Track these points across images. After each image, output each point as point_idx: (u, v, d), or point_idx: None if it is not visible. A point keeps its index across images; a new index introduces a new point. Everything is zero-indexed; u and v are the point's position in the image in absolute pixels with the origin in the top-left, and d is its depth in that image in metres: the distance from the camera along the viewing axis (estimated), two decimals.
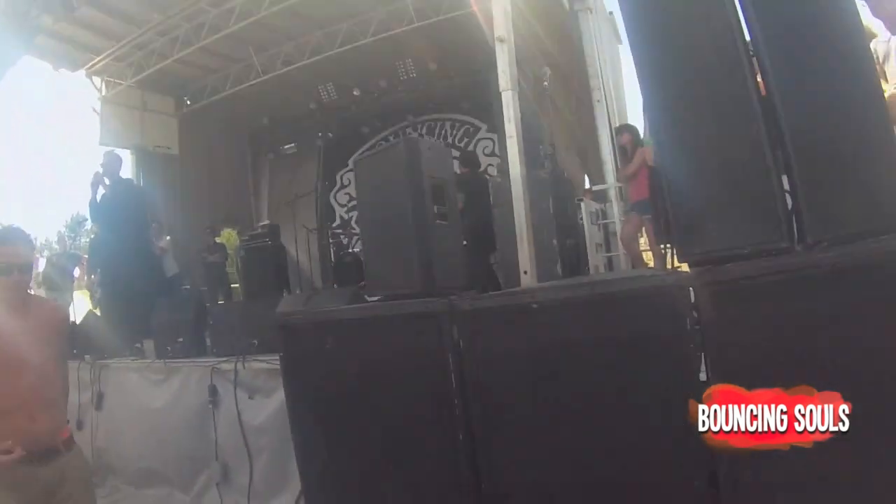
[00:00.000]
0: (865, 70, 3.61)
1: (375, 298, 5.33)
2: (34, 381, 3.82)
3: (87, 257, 14.78)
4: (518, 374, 3.92)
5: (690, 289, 3.49)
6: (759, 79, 3.60)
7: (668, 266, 6.31)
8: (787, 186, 3.49)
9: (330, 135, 17.65)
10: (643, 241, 10.50)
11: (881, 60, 6.79)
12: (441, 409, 4.09)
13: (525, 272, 6.77)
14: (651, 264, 9.94)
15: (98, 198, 9.41)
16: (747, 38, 3.62)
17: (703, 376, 3.48)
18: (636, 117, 13.00)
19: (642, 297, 3.65)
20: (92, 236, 13.72)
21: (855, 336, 3.16)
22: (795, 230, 3.46)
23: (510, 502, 4.02)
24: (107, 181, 9.63)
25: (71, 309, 14.63)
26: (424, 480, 4.29)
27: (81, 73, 15.28)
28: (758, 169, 3.48)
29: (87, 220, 13.50)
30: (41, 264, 16.98)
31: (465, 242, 10.66)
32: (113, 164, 9.78)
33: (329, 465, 4.66)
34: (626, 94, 14.01)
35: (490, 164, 14.98)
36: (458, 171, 12.37)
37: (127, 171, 14.68)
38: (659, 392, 3.54)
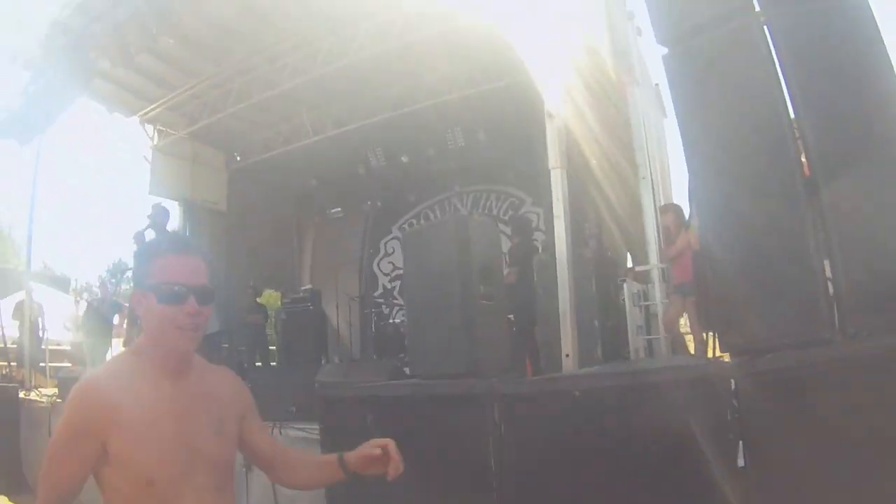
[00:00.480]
0: None
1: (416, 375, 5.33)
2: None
3: (128, 306, 14.86)
4: (557, 460, 3.90)
5: (731, 379, 3.49)
6: (803, 158, 3.62)
7: (710, 353, 6.26)
8: (829, 272, 3.50)
9: (379, 204, 17.74)
10: (683, 323, 10.42)
11: None
12: (479, 492, 4.07)
13: (567, 355, 6.71)
14: (691, 347, 9.86)
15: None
16: (792, 116, 3.65)
17: (740, 461, 3.48)
18: (681, 194, 12.95)
19: (684, 387, 3.63)
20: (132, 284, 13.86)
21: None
22: (837, 319, 3.46)
23: None
24: (153, 233, 9.74)
25: (109, 356, 14.80)
26: None
27: (135, 119, 15.42)
28: (800, 257, 3.49)
29: (129, 268, 13.60)
30: (81, 308, 17.13)
31: (511, 316, 10.69)
32: (161, 216, 9.90)
33: None
34: (670, 171, 13.98)
35: (534, 239, 14.93)
36: (510, 241, 12.45)
37: (174, 222, 14.82)
38: (697, 480, 3.52)
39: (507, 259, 13.29)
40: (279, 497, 6.24)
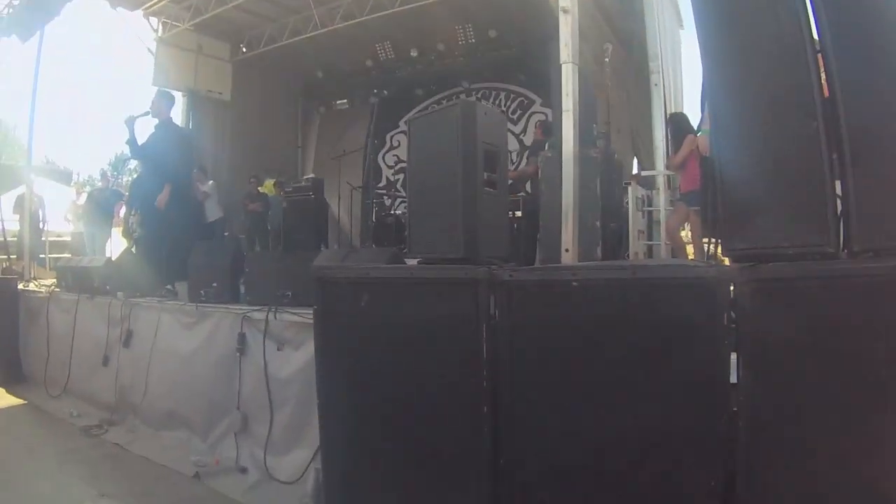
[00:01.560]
0: None
1: (415, 260, 5.30)
2: None
3: (127, 195, 14.87)
4: (549, 349, 3.89)
5: (731, 284, 3.46)
6: (823, 79, 3.55)
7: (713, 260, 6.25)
8: (839, 191, 3.45)
9: (385, 93, 17.67)
10: (685, 234, 10.43)
11: None
12: (469, 378, 4.06)
13: (567, 250, 6.70)
14: (692, 257, 9.88)
15: (136, 136, 9.36)
16: (815, 35, 3.57)
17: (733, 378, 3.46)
18: (692, 105, 12.89)
19: (683, 286, 3.61)
20: (134, 175, 13.82)
21: (892, 350, 3.13)
22: (843, 236, 3.42)
23: (526, 479, 4.02)
24: (154, 119, 9.60)
25: (108, 245, 14.85)
26: (444, 446, 4.28)
27: (139, 12, 15.38)
28: (812, 169, 3.42)
29: (129, 157, 13.57)
30: (83, 198, 17.16)
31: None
32: (163, 102, 9.73)
33: (350, 424, 4.66)
34: (683, 82, 13.90)
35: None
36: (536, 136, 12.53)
37: (178, 113, 14.79)
38: (687, 386, 3.51)
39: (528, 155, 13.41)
40: (271, 380, 6.27)
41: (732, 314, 3.43)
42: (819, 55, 3.51)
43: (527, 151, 14.17)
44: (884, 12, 3.61)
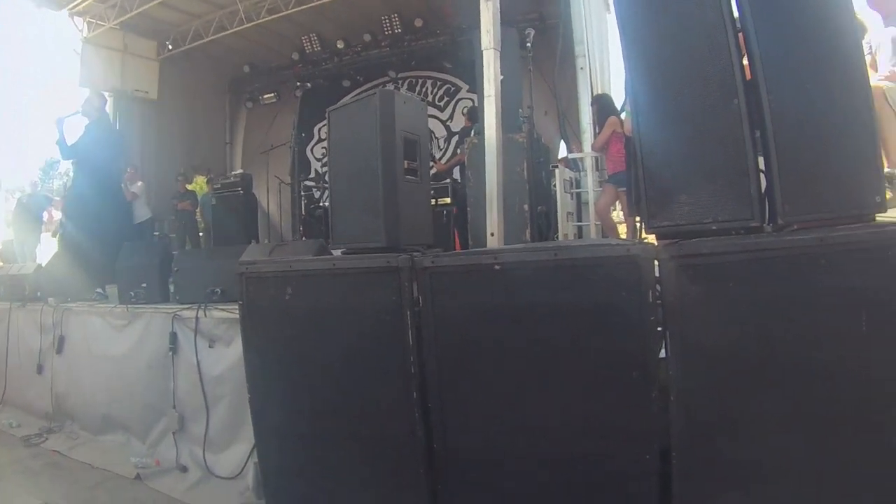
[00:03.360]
0: (852, 58, 3.59)
1: (339, 250, 5.28)
2: None
3: (58, 199, 14.69)
4: (475, 334, 3.93)
5: (656, 261, 3.47)
6: (745, 62, 3.57)
7: (639, 238, 6.31)
8: (762, 167, 3.47)
9: (308, 85, 17.64)
10: (617, 215, 10.52)
11: (873, 51, 6.83)
12: (397, 365, 4.10)
13: (492, 234, 6.74)
14: (624, 237, 9.98)
15: (66, 137, 9.23)
16: (735, 13, 3.59)
17: (662, 353, 3.48)
18: (620, 90, 13.01)
19: (606, 266, 3.62)
20: (66, 179, 13.66)
21: (814, 323, 3.20)
22: (767, 212, 3.45)
23: (460, 462, 4.04)
24: (86, 119, 9.48)
25: (38, 251, 14.65)
26: (378, 435, 4.30)
27: (64, 12, 15.06)
28: (734, 145, 3.48)
29: (59, 161, 13.42)
30: (12, 204, 16.95)
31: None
32: (94, 101, 9.60)
33: (282, 417, 4.67)
34: (611, 66, 14.01)
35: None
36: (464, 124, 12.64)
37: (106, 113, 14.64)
38: (616, 364, 3.55)
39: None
40: (204, 378, 6.23)
41: (658, 291, 3.44)
42: (740, 34, 3.54)
43: (454, 138, 14.25)
44: None
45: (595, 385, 3.60)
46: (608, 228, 10.26)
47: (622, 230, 10.15)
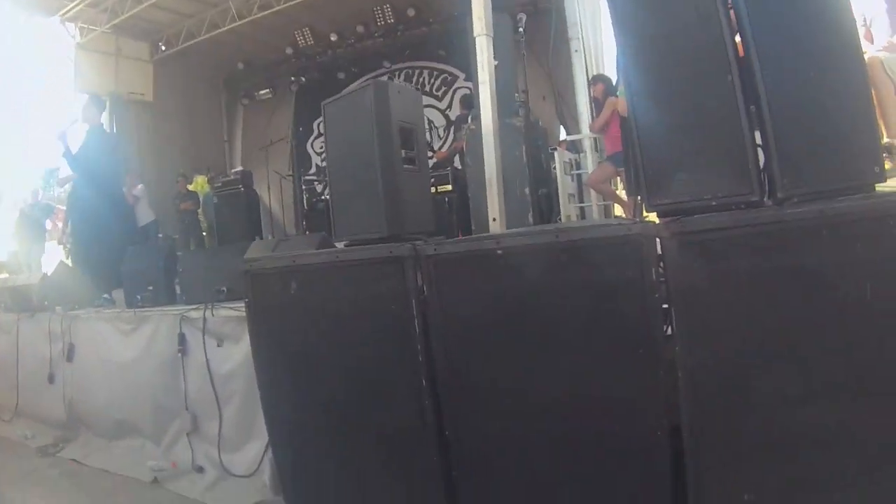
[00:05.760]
0: (846, 28, 3.57)
1: (343, 244, 5.29)
2: None
3: (61, 208, 14.69)
4: (481, 319, 3.95)
5: (657, 239, 3.48)
6: (737, 39, 3.58)
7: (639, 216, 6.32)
8: (759, 142, 3.48)
9: (303, 79, 17.64)
10: (619, 191, 10.53)
11: (868, 23, 6.83)
12: (405, 354, 4.12)
13: (494, 219, 6.74)
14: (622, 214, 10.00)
15: (71, 147, 9.19)
16: None
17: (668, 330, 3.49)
18: (614, 70, 13.03)
19: (608, 246, 3.63)
20: (67, 186, 13.67)
21: (818, 294, 3.20)
22: (766, 185, 3.45)
23: (472, 446, 4.07)
24: (86, 125, 9.45)
25: (42, 260, 14.65)
26: (389, 425, 4.33)
27: (56, 19, 15.06)
28: (730, 121, 3.47)
29: (58, 169, 13.37)
30: (13, 217, 16.95)
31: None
32: (93, 107, 9.57)
33: (294, 412, 4.69)
34: (604, 47, 14.02)
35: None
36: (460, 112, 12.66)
37: (103, 118, 14.62)
38: (622, 342, 3.56)
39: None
40: (215, 377, 6.23)
41: (661, 269, 3.45)
42: (731, 11, 3.55)
43: (453, 126, 14.24)
44: None
45: (602, 364, 3.61)
46: (607, 195, 10.32)
47: (622, 196, 10.18)
